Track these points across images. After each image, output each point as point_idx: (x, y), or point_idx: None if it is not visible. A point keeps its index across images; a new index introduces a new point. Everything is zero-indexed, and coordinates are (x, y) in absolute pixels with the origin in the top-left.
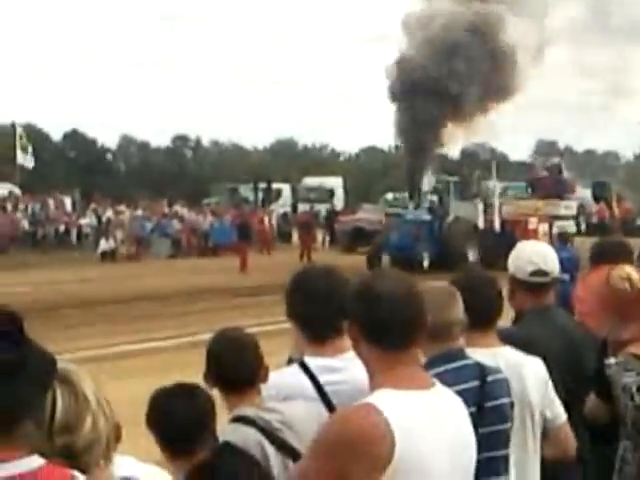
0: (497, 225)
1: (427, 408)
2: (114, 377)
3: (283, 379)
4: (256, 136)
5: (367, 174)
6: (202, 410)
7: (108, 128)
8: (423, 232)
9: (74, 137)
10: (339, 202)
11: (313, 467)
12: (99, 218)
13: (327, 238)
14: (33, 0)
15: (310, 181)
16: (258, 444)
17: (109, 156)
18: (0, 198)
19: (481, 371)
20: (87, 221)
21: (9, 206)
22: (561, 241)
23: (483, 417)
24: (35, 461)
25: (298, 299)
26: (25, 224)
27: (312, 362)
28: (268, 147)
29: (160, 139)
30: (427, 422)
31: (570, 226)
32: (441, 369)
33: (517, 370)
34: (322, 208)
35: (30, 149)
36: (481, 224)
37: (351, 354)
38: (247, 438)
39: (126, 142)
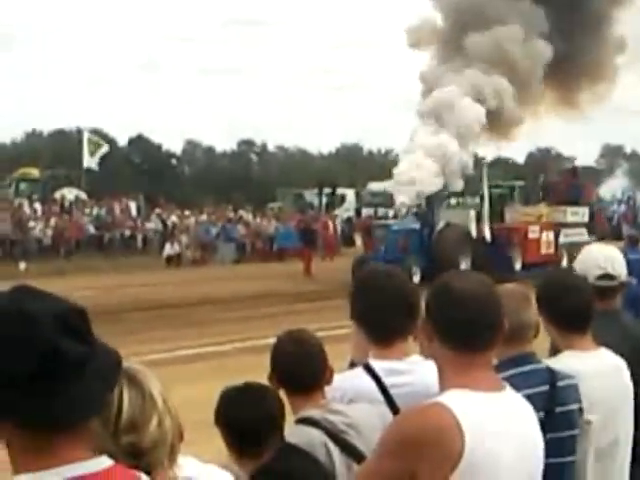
0: (487, 234)
1: (496, 410)
2: (178, 381)
3: (348, 381)
4: (321, 141)
5: None
6: (272, 409)
7: (173, 133)
8: (411, 242)
9: (139, 142)
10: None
11: (380, 467)
12: (164, 223)
13: None
14: (99, 7)
15: (374, 186)
16: (323, 445)
17: (174, 161)
18: (66, 203)
19: (551, 376)
20: (152, 226)
21: (75, 211)
22: (631, 243)
23: (551, 422)
24: (104, 462)
25: (363, 300)
26: (91, 228)
27: (377, 365)
28: (333, 152)
29: (225, 144)
30: (496, 424)
31: (580, 235)
32: (511, 372)
33: (619, 371)
34: (386, 213)
35: (104, 149)
36: (474, 232)
37: (416, 357)
38: (312, 439)
39: (191, 147)
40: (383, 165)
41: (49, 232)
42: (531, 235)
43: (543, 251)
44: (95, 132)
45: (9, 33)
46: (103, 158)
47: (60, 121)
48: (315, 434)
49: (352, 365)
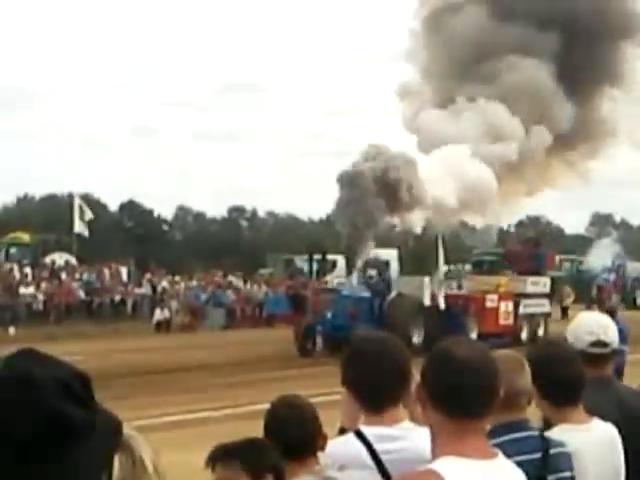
0: (441, 303)
1: (489, 478)
2: (166, 447)
3: (339, 447)
4: (312, 207)
5: (424, 245)
6: (279, 464)
7: (165, 199)
8: (361, 310)
9: (131, 207)
10: (394, 274)
11: None
12: (154, 288)
13: None
14: (92, 71)
15: None
16: None
17: (165, 226)
18: (56, 267)
19: (544, 443)
20: (142, 291)
21: (64, 275)
22: (610, 313)
23: None
24: None
25: (354, 366)
26: (81, 293)
27: (368, 431)
28: (324, 218)
29: (216, 210)
30: None
31: (541, 305)
32: (504, 438)
33: (613, 443)
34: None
35: (88, 217)
36: (427, 301)
37: (407, 424)
38: None
39: (182, 212)
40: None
41: (40, 297)
42: (489, 304)
43: (501, 321)
44: (86, 197)
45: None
46: (91, 224)
47: (52, 185)
48: None
49: (342, 431)
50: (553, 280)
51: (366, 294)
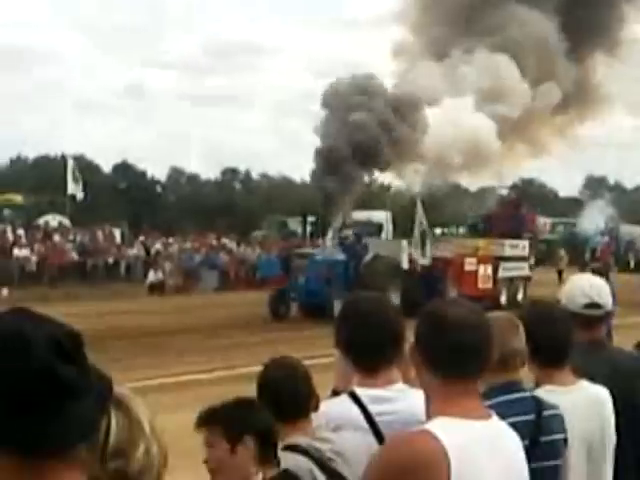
0: (418, 266)
1: (483, 438)
2: (161, 409)
3: (333, 409)
4: (305, 169)
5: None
6: (266, 425)
7: (158, 160)
8: (336, 274)
9: (124, 169)
10: (387, 236)
11: None
12: (147, 250)
13: None
14: (86, 32)
15: (358, 215)
16: (309, 472)
17: (158, 188)
18: (50, 229)
19: (537, 405)
20: (135, 253)
21: (58, 237)
22: (602, 275)
23: (536, 451)
24: None
25: (348, 327)
26: (74, 255)
27: (362, 392)
28: None
29: (210, 172)
30: (483, 452)
31: (521, 269)
32: (498, 400)
33: (599, 404)
34: None
35: (80, 181)
36: (405, 264)
37: (401, 385)
38: (299, 466)
39: (176, 174)
40: (367, 194)
41: (33, 259)
42: (468, 268)
43: (480, 285)
44: (79, 159)
45: None
46: (85, 186)
47: (45, 147)
48: (302, 461)
49: (335, 394)
50: (547, 243)
51: (341, 257)
